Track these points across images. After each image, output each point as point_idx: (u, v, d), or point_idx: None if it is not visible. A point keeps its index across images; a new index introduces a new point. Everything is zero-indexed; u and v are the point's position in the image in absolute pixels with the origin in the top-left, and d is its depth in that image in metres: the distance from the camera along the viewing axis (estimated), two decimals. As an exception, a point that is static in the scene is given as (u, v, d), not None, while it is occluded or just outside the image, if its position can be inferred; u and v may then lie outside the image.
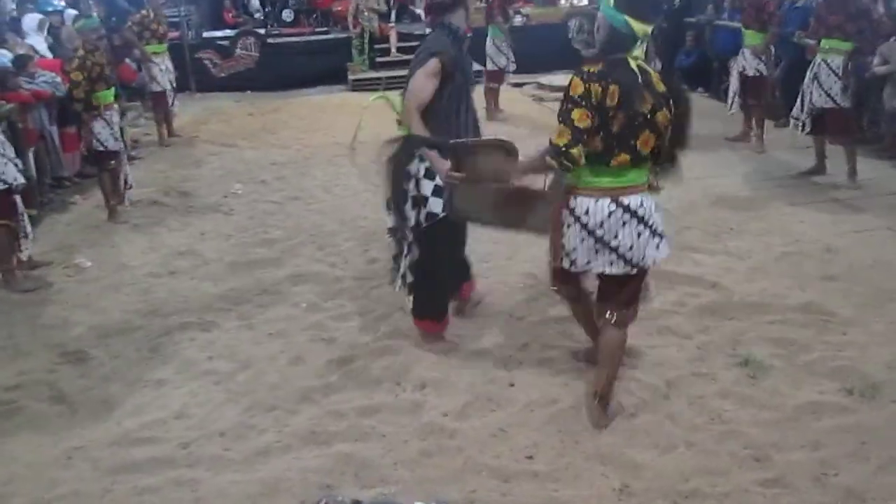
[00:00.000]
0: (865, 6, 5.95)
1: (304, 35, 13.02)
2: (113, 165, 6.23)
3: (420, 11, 13.61)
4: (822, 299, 4.25)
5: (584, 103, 2.75)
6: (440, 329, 3.91)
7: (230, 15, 13.77)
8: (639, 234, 2.91)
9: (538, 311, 4.23)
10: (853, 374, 3.50)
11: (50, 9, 9.00)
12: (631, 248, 2.91)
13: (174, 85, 8.92)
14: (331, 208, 6.27)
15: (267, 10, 13.83)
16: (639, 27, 2.78)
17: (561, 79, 11.46)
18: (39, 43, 7.93)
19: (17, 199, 4.98)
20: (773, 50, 7.40)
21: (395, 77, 11.92)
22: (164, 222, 6.16)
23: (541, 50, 12.02)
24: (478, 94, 9.90)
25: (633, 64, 2.79)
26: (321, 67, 12.41)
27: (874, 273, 4.58)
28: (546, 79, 11.47)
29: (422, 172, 3.53)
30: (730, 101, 7.75)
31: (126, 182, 6.44)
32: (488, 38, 10.00)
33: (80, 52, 6.03)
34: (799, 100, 6.36)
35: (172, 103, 8.81)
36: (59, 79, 6.94)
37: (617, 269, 2.95)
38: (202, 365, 3.91)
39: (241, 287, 4.82)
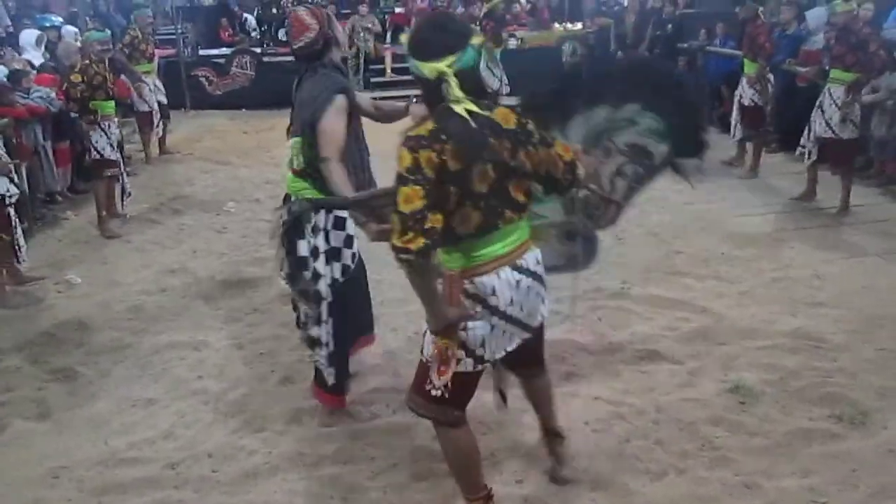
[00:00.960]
0: (865, 38, 6.03)
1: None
2: (110, 174, 6.25)
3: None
4: (812, 325, 4.27)
5: (414, 179, 2.24)
6: (343, 402, 3.53)
7: (227, 33, 13.82)
8: (537, 294, 2.53)
9: (530, 334, 4.23)
10: (843, 400, 3.50)
11: (48, 24, 9.03)
12: (530, 314, 2.53)
13: (164, 103, 8.93)
14: (324, 228, 6.27)
15: (263, 28, 13.91)
16: (429, 68, 2.32)
17: (554, 102, 11.56)
18: (36, 58, 7.95)
19: (12, 211, 4.98)
20: (771, 79, 7.46)
21: (389, 97, 12.00)
22: (157, 239, 6.15)
23: (535, 73, 12.09)
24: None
25: (459, 109, 2.30)
26: (316, 87, 12.42)
27: (863, 299, 4.61)
28: (540, 101, 11.53)
29: (330, 224, 3.26)
30: (732, 129, 7.79)
31: (125, 191, 6.45)
32: (480, 62, 10.07)
33: (85, 61, 6.09)
34: (807, 128, 6.43)
35: (159, 123, 8.80)
36: (53, 94, 6.96)
37: (518, 341, 2.55)
38: (192, 384, 3.90)
39: (232, 306, 4.80)
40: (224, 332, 4.44)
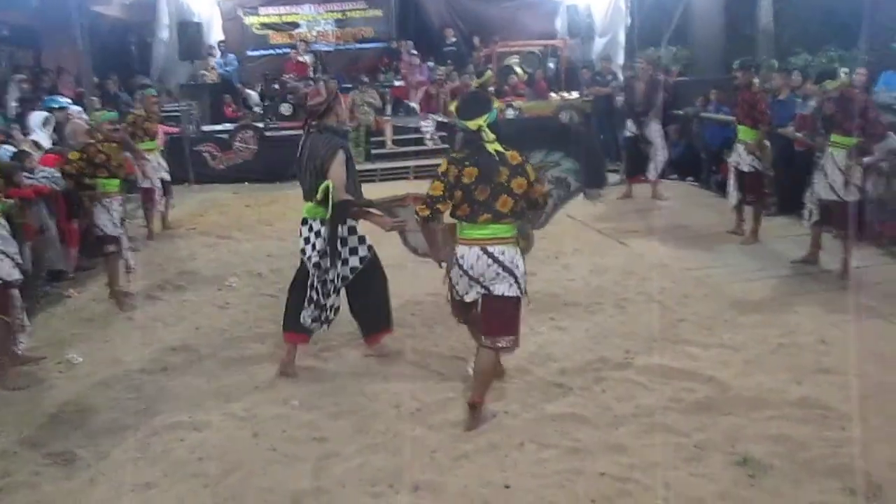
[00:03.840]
0: (865, 105, 6.18)
1: (301, 128, 13.31)
2: (112, 250, 6.30)
3: (414, 105, 14.00)
4: (819, 393, 4.22)
5: (441, 178, 3.82)
6: (387, 333, 5.03)
7: (230, 109, 14.11)
8: (497, 273, 3.84)
9: (534, 409, 4.18)
10: (855, 472, 3.43)
11: (55, 105, 9.24)
12: (490, 280, 3.86)
13: (167, 179, 9.06)
14: (325, 301, 6.26)
15: (266, 104, 14.16)
16: (473, 123, 3.82)
17: (554, 169, 11.71)
18: (44, 139, 8.11)
19: (15, 293, 4.99)
20: (768, 145, 7.51)
21: (390, 168, 12.19)
22: (159, 316, 6.14)
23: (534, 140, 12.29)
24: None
25: (490, 148, 3.78)
26: (318, 159, 12.62)
27: (870, 365, 4.56)
28: (539, 169, 11.68)
29: (346, 232, 4.68)
30: (729, 196, 7.83)
31: (129, 268, 6.49)
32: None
33: (90, 140, 6.20)
34: (808, 190, 6.51)
35: (161, 199, 8.92)
36: (58, 174, 7.05)
37: (476, 294, 3.92)
38: (191, 466, 3.83)
39: (233, 384, 4.76)
40: (225, 412, 4.39)
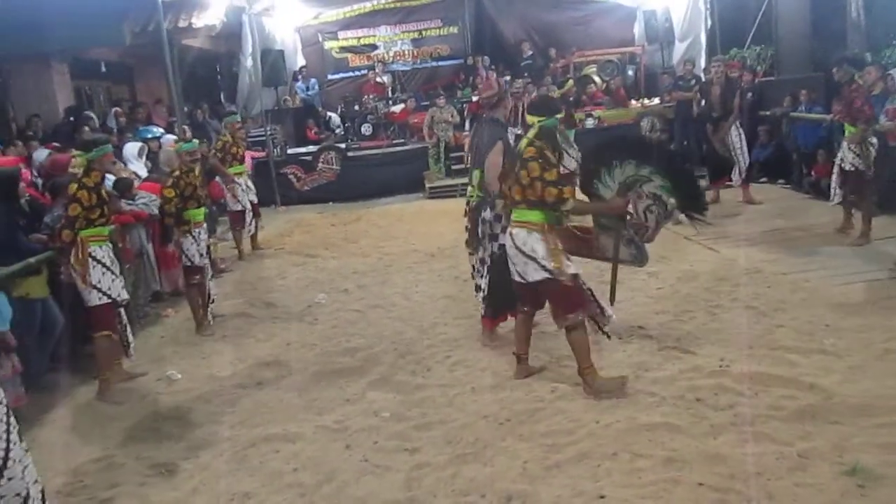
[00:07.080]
0: None
1: (382, 147, 13.56)
2: (198, 280, 6.53)
3: (493, 119, 14.02)
4: (935, 400, 3.97)
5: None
6: (501, 321, 5.44)
7: (313, 131, 14.50)
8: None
9: (627, 418, 4.08)
10: (978, 482, 3.21)
11: (149, 136, 9.70)
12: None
13: (255, 202, 9.34)
14: (410, 315, 6.34)
15: (347, 125, 14.50)
16: (529, 119, 4.52)
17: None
18: (140, 169, 8.52)
19: (122, 311, 5.32)
20: (875, 142, 7.15)
21: (468, 183, 12.22)
22: (251, 333, 6.34)
23: (614, 150, 12.13)
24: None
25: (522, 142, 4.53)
26: (399, 177, 12.88)
27: None
28: (621, 178, 11.49)
29: (492, 217, 5.15)
30: (832, 194, 7.52)
31: (209, 296, 6.69)
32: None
33: (176, 172, 6.46)
34: None
35: (251, 221, 9.19)
36: (156, 199, 7.38)
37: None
38: (287, 477, 3.92)
39: (324, 397, 4.86)
40: (317, 424, 4.48)
